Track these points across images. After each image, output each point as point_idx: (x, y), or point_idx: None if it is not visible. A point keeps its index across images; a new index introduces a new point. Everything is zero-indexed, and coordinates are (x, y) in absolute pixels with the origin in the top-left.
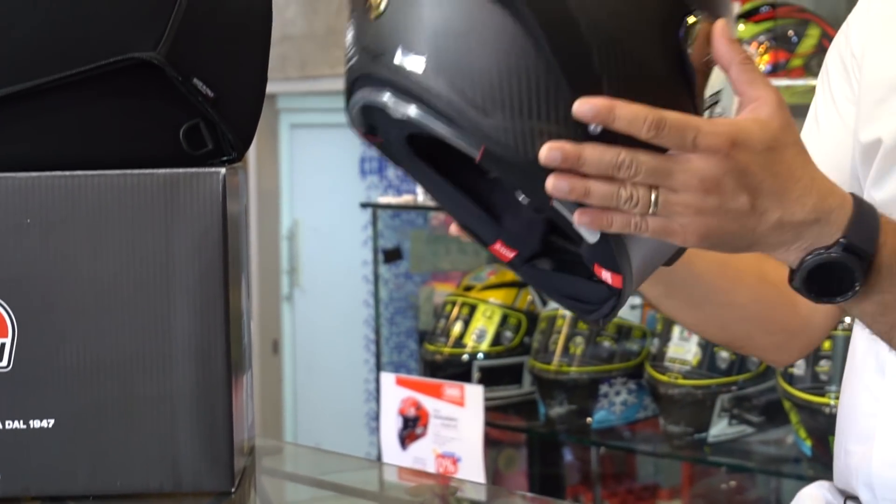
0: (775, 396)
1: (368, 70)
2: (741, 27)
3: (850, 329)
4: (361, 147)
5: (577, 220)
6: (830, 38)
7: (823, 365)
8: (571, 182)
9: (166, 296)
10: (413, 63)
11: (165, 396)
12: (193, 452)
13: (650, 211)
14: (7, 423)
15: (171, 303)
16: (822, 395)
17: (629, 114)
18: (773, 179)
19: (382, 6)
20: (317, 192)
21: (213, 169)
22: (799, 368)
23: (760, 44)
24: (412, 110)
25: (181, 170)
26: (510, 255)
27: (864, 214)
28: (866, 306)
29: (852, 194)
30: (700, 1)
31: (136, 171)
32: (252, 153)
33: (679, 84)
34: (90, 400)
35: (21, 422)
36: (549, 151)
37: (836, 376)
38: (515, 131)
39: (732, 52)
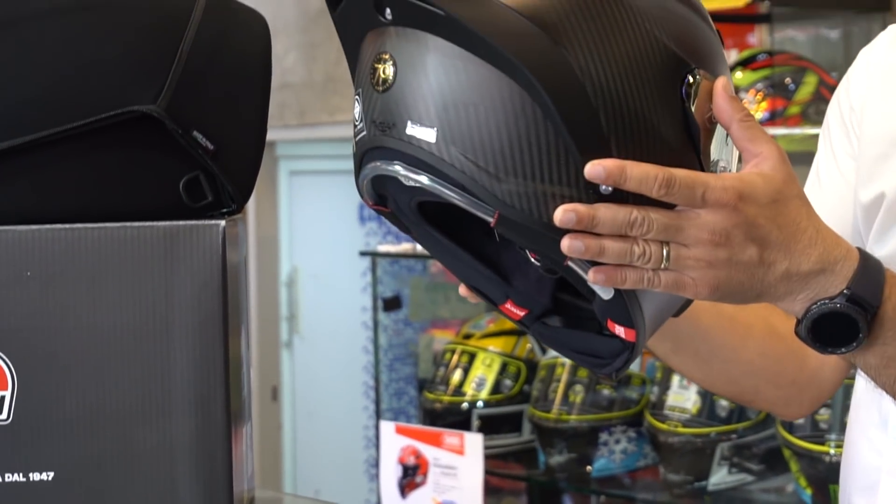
0: (775, 444)
1: (379, 142)
2: (739, 75)
3: (851, 378)
4: None
5: (593, 278)
6: (828, 86)
7: (823, 413)
8: (586, 242)
9: (166, 347)
10: (424, 134)
11: (165, 447)
12: (193, 503)
13: (662, 266)
14: (7, 476)
15: (170, 353)
16: (822, 443)
17: (640, 174)
18: (780, 231)
19: (390, 79)
20: (316, 239)
21: (212, 221)
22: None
23: (758, 91)
24: (425, 179)
25: (181, 222)
26: (520, 314)
27: (869, 267)
28: (870, 358)
29: (858, 248)
30: (699, 59)
31: (136, 224)
32: (251, 200)
33: (684, 142)
34: (90, 451)
35: (21, 475)
36: (563, 214)
37: (836, 425)
38: (528, 195)
39: (733, 110)
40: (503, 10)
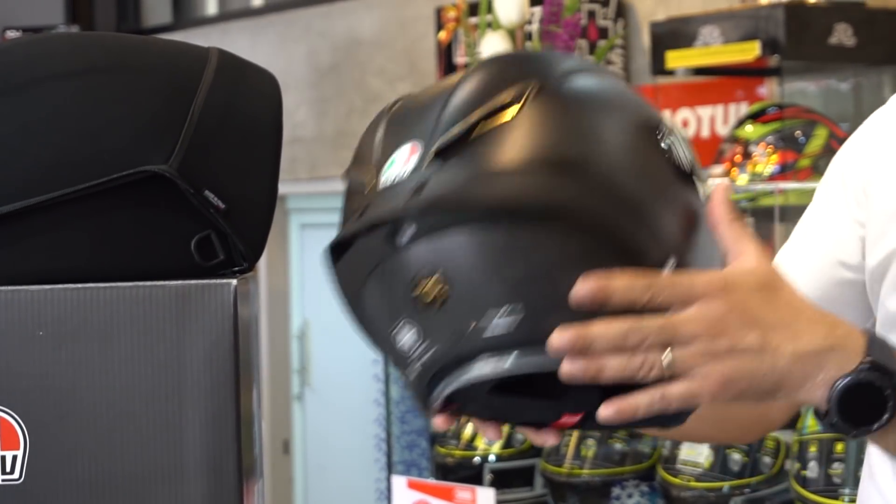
0: (788, 498)
1: (456, 353)
2: (749, 128)
3: None
4: None
5: (604, 416)
6: (838, 139)
7: (836, 468)
8: (584, 365)
9: (178, 406)
10: (503, 322)
11: None
12: None
13: (667, 374)
14: None
15: (182, 413)
16: (836, 497)
17: (622, 288)
18: (776, 313)
19: (446, 291)
20: (327, 292)
21: (224, 280)
22: (812, 471)
23: (768, 144)
24: (513, 363)
25: (193, 281)
26: (576, 418)
27: (877, 339)
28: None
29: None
30: (658, 121)
31: (147, 283)
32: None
33: (688, 196)
34: None
35: None
36: (556, 340)
37: (850, 479)
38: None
39: (724, 212)
40: (508, 174)
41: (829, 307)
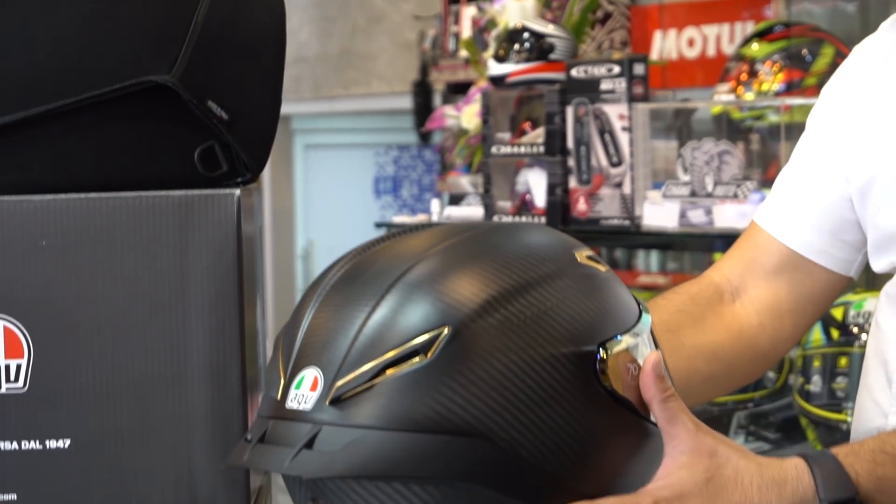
0: (792, 413)
1: None
2: (755, 46)
3: (865, 346)
4: (376, 167)
5: None
6: (844, 57)
7: (840, 382)
8: None
9: (181, 316)
10: None
11: (181, 416)
12: (209, 472)
13: None
14: (23, 443)
15: (186, 323)
16: (839, 411)
17: None
18: (728, 501)
19: None
20: (331, 212)
21: (227, 190)
22: (816, 385)
23: (774, 63)
24: None
25: (196, 191)
26: None
27: (822, 465)
28: None
29: (797, 455)
30: (598, 331)
31: (151, 193)
32: (266, 174)
33: (623, 416)
34: (106, 420)
35: (37, 442)
36: None
37: (853, 393)
38: None
39: (657, 391)
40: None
41: (838, 226)
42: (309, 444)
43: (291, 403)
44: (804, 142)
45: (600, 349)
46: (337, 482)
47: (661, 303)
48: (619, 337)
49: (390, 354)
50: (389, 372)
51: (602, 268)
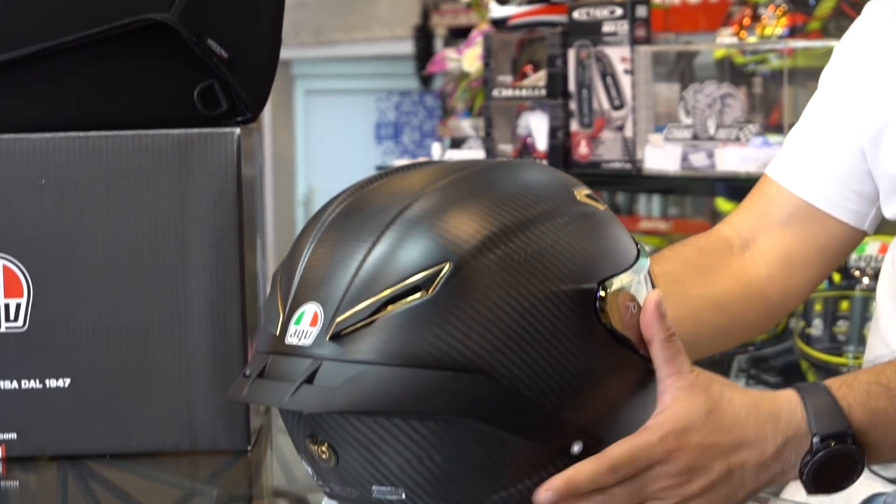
0: (793, 357)
1: (353, 500)
2: None
3: (867, 290)
4: (377, 112)
5: None
6: (848, 1)
7: (841, 325)
8: None
9: (181, 256)
10: (389, 495)
11: (181, 357)
12: (209, 412)
13: None
14: (23, 382)
15: (186, 263)
16: (840, 355)
17: (586, 480)
18: (729, 434)
19: (334, 461)
20: (332, 158)
21: (227, 129)
22: (817, 329)
23: (777, 6)
24: None
25: (196, 130)
26: None
27: (814, 398)
28: (885, 455)
29: (791, 387)
30: (599, 269)
31: (150, 132)
32: (267, 120)
33: (621, 355)
34: (106, 360)
35: (37, 381)
36: None
37: (854, 336)
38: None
39: (657, 329)
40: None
41: (852, 177)
42: (309, 380)
43: (291, 339)
44: (817, 98)
45: (600, 287)
46: (336, 418)
47: (668, 254)
48: (618, 275)
49: (391, 290)
50: (390, 308)
51: (601, 206)
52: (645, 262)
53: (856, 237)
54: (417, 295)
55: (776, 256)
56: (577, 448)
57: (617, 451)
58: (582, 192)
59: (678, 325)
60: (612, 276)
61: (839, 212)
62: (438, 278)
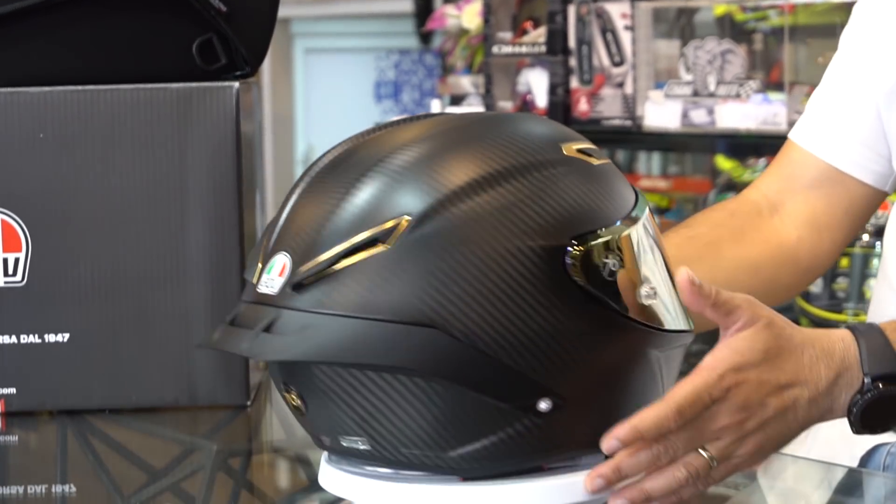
0: (792, 314)
1: (326, 446)
2: None
3: (867, 247)
4: (376, 71)
5: None
6: None
7: (841, 282)
8: (630, 497)
9: (180, 211)
10: (356, 443)
11: (180, 312)
12: (209, 367)
13: (712, 465)
14: (22, 337)
15: (185, 218)
16: (840, 312)
17: (653, 425)
18: (784, 371)
19: (303, 408)
20: (331, 117)
21: (226, 83)
22: (816, 286)
23: None
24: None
25: (194, 84)
26: None
27: (869, 339)
28: None
29: (846, 327)
30: (570, 226)
31: (149, 86)
32: (266, 79)
33: (598, 314)
34: (105, 315)
35: (36, 336)
36: (592, 483)
37: (854, 293)
38: (476, 455)
39: (703, 300)
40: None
41: (873, 138)
42: (268, 328)
43: (261, 288)
44: (836, 60)
45: (572, 243)
46: (301, 367)
47: (700, 218)
48: (597, 231)
49: (350, 242)
50: (350, 259)
51: (595, 160)
52: (643, 214)
53: (878, 198)
54: (377, 247)
55: (804, 220)
56: (544, 405)
57: (680, 392)
58: (573, 146)
59: None
60: (591, 232)
61: (863, 174)
62: (397, 231)
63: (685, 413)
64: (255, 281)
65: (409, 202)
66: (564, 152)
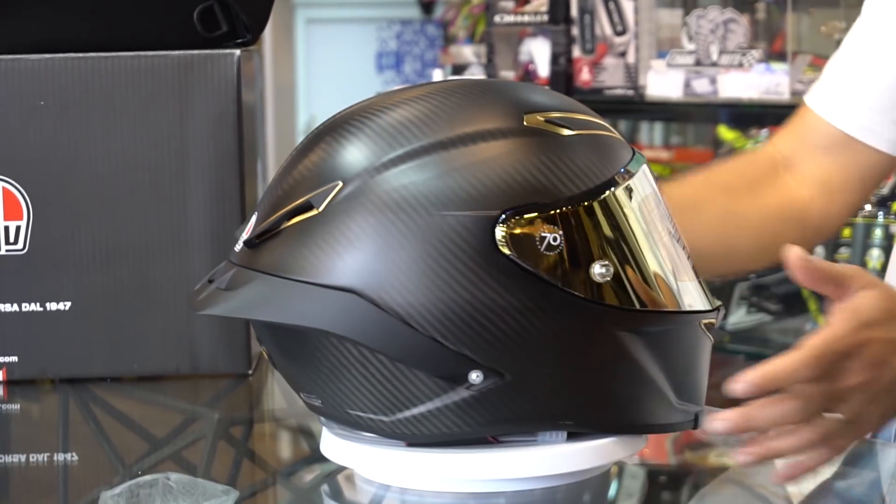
0: (794, 285)
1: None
2: None
3: (869, 216)
4: (378, 42)
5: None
6: None
7: (843, 252)
8: (759, 454)
9: (182, 178)
10: (312, 399)
11: (181, 280)
12: (210, 336)
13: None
14: (24, 305)
15: (186, 185)
16: None
17: (786, 371)
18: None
19: (271, 362)
20: (333, 88)
21: (227, 51)
22: (818, 256)
23: None
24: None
25: (195, 51)
26: None
27: None
28: None
29: None
30: (512, 198)
31: (150, 53)
32: (268, 50)
33: (533, 288)
34: (107, 283)
35: (38, 304)
36: (713, 423)
37: (856, 263)
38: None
39: (815, 276)
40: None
41: (889, 105)
42: (229, 285)
43: (236, 245)
44: (856, 27)
45: (506, 214)
46: (257, 325)
47: (721, 166)
48: (541, 203)
49: (294, 204)
50: (290, 221)
51: (564, 131)
52: (613, 193)
53: (892, 164)
54: (311, 211)
55: (816, 181)
56: (475, 376)
57: (814, 343)
58: (538, 117)
59: (718, 239)
60: (530, 205)
61: (875, 140)
62: (330, 195)
63: (821, 362)
64: (236, 240)
65: (346, 168)
66: (525, 122)
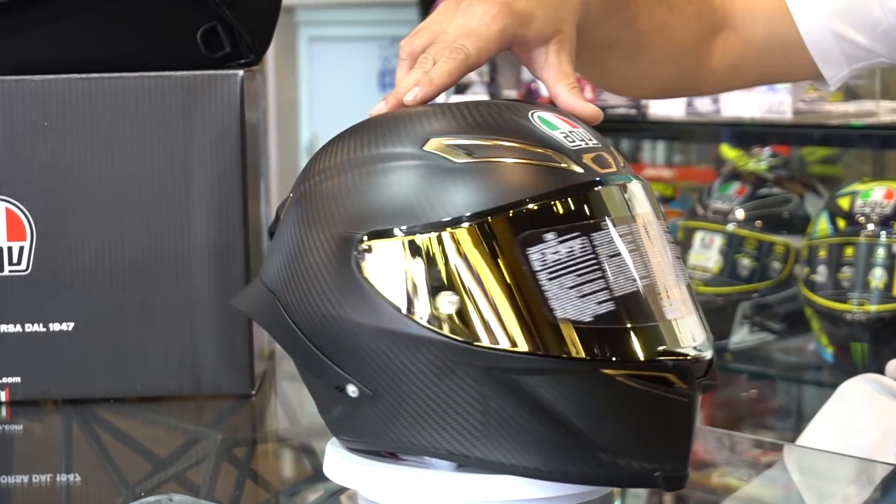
0: (797, 304)
1: None
2: None
3: (872, 236)
4: (381, 60)
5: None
6: None
7: (846, 272)
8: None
9: (185, 199)
10: None
11: (185, 300)
12: (213, 356)
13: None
14: (27, 326)
15: (189, 206)
16: (844, 301)
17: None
18: None
19: None
20: (336, 106)
21: (230, 71)
22: (821, 275)
23: None
24: None
25: (199, 72)
26: None
27: None
28: None
29: None
30: (378, 221)
31: (153, 74)
32: (271, 68)
33: (383, 311)
34: (110, 303)
35: (41, 325)
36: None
37: (859, 283)
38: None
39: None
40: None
41: (858, 22)
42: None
43: None
44: None
45: (364, 237)
46: None
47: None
48: (399, 228)
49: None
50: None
51: (457, 159)
52: (472, 226)
53: (809, 77)
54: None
55: (737, 46)
56: (351, 389)
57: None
58: (442, 141)
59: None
60: (388, 229)
61: (820, 56)
62: (286, 204)
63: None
64: None
65: (299, 178)
66: (425, 147)
